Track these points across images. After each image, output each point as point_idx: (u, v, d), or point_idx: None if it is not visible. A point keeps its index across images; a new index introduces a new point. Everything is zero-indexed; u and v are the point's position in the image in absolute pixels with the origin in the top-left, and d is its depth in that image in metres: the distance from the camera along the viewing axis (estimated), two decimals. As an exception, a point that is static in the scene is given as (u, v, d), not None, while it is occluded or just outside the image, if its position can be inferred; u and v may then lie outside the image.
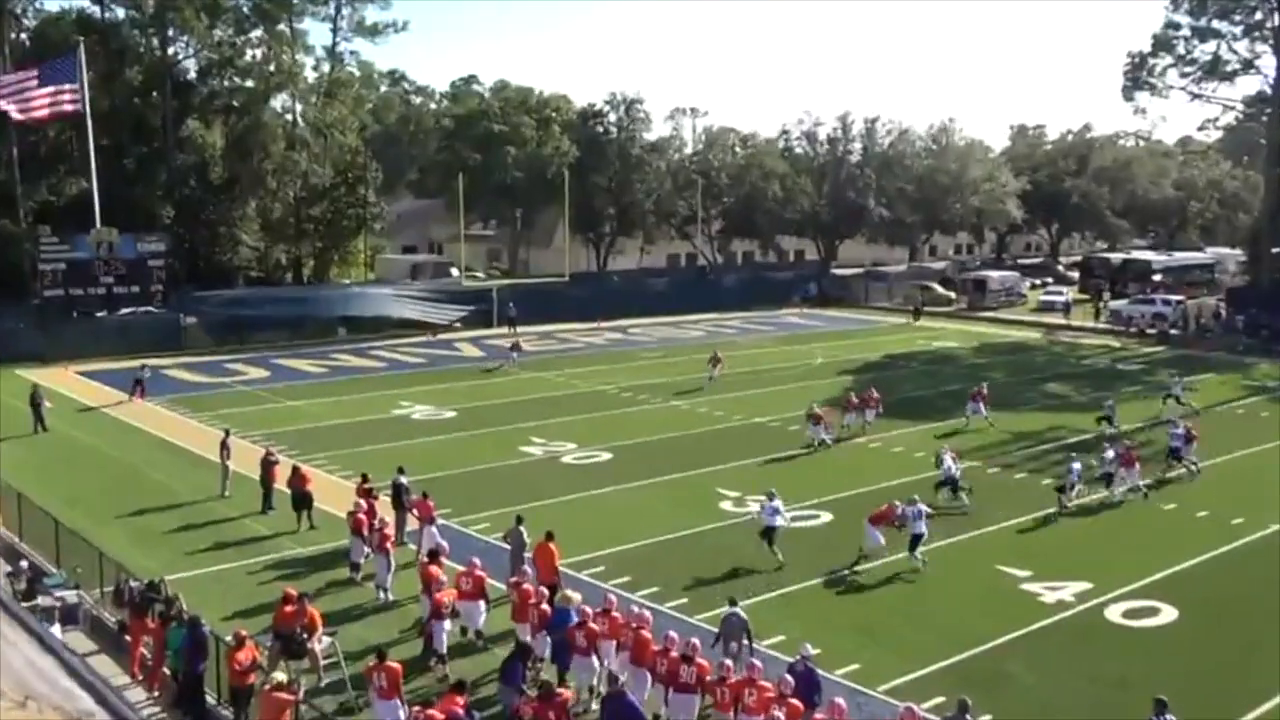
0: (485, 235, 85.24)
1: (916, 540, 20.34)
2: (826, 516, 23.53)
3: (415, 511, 21.00)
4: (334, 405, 35.75)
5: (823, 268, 76.00)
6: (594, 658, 14.78)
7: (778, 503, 21.15)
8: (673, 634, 14.61)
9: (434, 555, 17.82)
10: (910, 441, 30.80)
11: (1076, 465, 25.07)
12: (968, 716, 12.87)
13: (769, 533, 20.70)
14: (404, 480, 22.12)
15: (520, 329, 52.81)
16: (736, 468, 27.80)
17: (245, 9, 56.14)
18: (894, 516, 20.55)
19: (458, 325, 53.74)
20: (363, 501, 20.44)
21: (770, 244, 79.06)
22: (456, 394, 37.79)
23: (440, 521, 20.73)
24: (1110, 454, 25.76)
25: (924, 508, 20.82)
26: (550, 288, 58.31)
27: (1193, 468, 27.33)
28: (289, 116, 60.80)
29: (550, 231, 79.52)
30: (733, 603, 16.05)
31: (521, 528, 19.18)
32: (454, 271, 65.74)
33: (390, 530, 19.77)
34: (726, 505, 24.51)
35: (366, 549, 19.52)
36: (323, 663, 15.56)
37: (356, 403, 36.24)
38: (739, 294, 66.20)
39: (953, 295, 68.08)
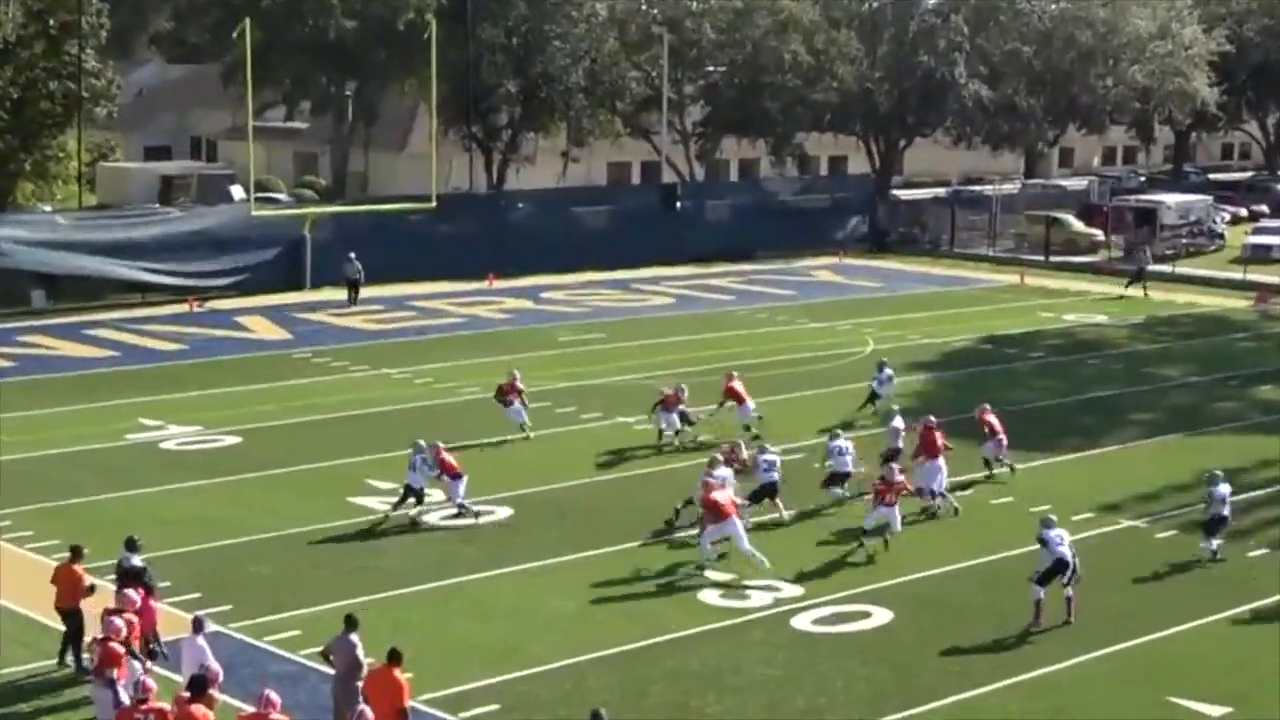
0: (292, 129, 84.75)
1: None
2: (883, 616, 23.80)
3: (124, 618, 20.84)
4: (24, 424, 35.51)
5: (878, 187, 76.64)
6: None
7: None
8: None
9: (199, 685, 17.71)
10: (1025, 486, 31.16)
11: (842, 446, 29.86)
12: None
13: (411, 492, 28.23)
14: (137, 561, 22.07)
15: (363, 294, 53.03)
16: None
17: None
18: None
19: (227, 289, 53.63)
20: (134, 595, 20.57)
21: (787, 148, 79.35)
22: (240, 405, 37.80)
23: (211, 628, 20.62)
24: (898, 423, 31.45)
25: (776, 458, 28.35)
26: (406, 221, 58.21)
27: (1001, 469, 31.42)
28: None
29: (406, 124, 79.21)
30: None
31: (354, 637, 19.19)
32: (236, 192, 65.33)
33: (118, 645, 19.56)
34: (709, 597, 24.73)
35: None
36: None
37: (64, 420, 36.09)
38: (733, 233, 66.57)
39: (1098, 234, 68.91)
